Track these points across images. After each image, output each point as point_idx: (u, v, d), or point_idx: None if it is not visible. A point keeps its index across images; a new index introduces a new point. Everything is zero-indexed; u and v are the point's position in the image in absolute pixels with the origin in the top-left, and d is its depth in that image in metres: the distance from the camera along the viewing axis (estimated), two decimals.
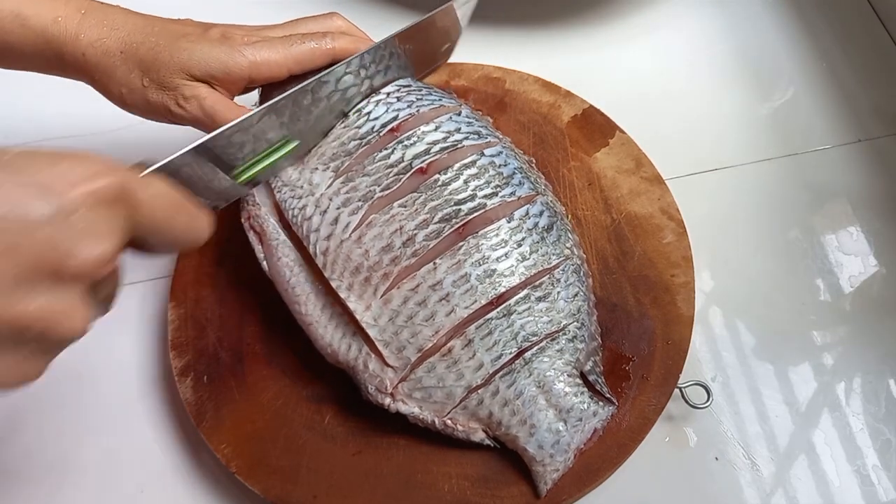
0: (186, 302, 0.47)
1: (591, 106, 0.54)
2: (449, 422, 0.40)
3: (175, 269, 0.48)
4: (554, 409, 0.41)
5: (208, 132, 0.39)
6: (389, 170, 0.42)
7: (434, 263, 0.40)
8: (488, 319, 0.40)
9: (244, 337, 0.46)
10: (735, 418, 0.46)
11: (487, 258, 0.41)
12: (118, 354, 0.48)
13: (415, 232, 0.41)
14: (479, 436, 0.41)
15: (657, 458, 0.44)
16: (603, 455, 0.41)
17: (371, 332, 0.40)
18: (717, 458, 0.45)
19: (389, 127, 0.43)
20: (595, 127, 0.53)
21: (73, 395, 0.47)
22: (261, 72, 0.43)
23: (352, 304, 0.41)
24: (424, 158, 0.42)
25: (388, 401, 0.40)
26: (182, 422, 0.46)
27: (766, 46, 0.62)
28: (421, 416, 0.40)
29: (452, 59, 0.57)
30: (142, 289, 0.51)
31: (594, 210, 0.50)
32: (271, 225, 0.43)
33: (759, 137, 0.57)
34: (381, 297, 0.40)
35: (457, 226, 0.41)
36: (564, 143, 0.52)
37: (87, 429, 0.46)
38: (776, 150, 0.56)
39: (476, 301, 0.40)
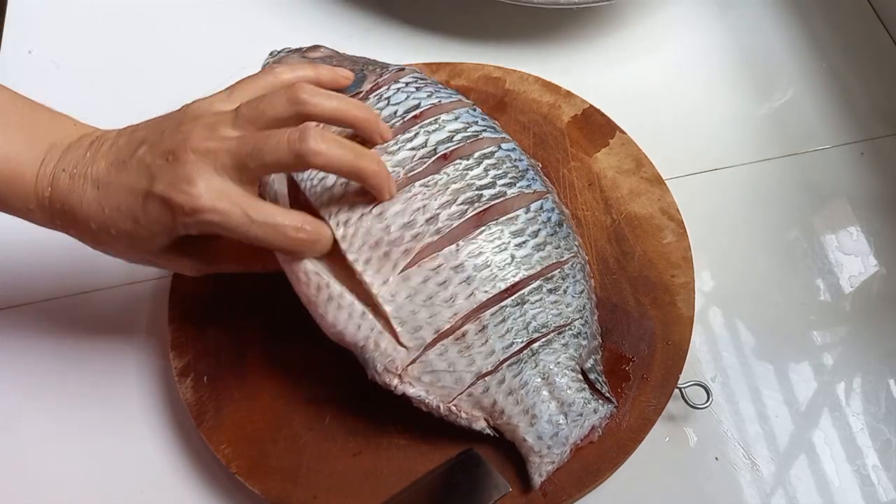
0: (186, 302, 0.47)
1: (591, 106, 0.54)
2: (453, 408, 0.40)
3: None
4: (556, 401, 0.41)
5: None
6: (413, 152, 0.42)
7: (457, 245, 0.40)
8: (503, 307, 0.40)
9: (244, 337, 0.46)
10: (735, 418, 0.46)
11: (507, 245, 0.41)
12: (118, 354, 0.48)
13: (438, 211, 0.40)
14: (480, 424, 0.40)
15: (657, 458, 0.44)
16: (603, 455, 0.41)
17: (387, 308, 0.39)
18: (717, 458, 0.45)
19: (413, 114, 0.43)
20: (595, 127, 0.53)
21: (73, 395, 0.47)
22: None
23: (368, 277, 0.40)
24: (448, 145, 0.42)
25: (395, 382, 0.40)
26: (182, 422, 0.46)
27: (766, 46, 0.62)
28: (426, 401, 0.40)
29: (452, 59, 0.57)
30: (142, 289, 0.51)
31: (594, 210, 0.50)
32: (282, 200, 0.42)
33: (759, 137, 0.57)
34: (400, 272, 0.40)
35: (478, 210, 0.41)
36: (564, 143, 0.52)
37: (87, 429, 0.46)
38: (776, 150, 0.56)
39: (495, 286, 0.40)
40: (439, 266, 0.40)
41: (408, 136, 0.42)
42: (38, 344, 0.49)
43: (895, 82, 0.60)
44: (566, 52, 0.62)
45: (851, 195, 0.54)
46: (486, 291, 0.40)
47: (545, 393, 0.41)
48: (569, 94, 0.55)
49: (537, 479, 0.40)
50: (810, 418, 0.46)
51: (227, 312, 0.46)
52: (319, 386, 0.44)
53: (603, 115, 0.53)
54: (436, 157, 0.42)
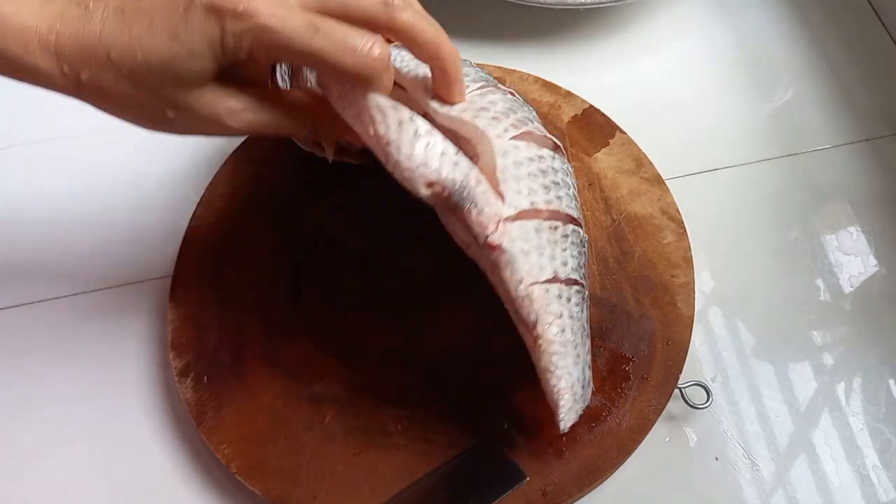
0: (186, 302, 0.47)
1: (591, 106, 0.54)
2: (532, 291, 0.37)
3: (175, 268, 0.48)
4: (585, 359, 0.39)
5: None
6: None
7: (553, 151, 0.40)
8: (577, 231, 0.39)
9: (244, 337, 0.46)
10: (735, 418, 0.46)
11: (573, 186, 0.41)
12: (118, 354, 0.48)
13: (529, 117, 0.40)
14: (536, 331, 0.37)
15: (657, 458, 0.44)
16: (603, 455, 0.41)
17: (498, 160, 0.37)
18: (717, 458, 0.45)
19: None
20: (595, 127, 0.53)
21: (72, 395, 0.47)
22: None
23: (482, 124, 0.38)
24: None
25: (492, 227, 0.36)
26: (182, 422, 0.46)
27: (766, 47, 0.62)
28: (515, 265, 0.36)
29: None
30: (142, 289, 0.51)
31: (594, 210, 0.50)
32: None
33: (760, 137, 0.57)
34: (510, 139, 0.38)
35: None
36: (564, 143, 0.52)
37: (86, 429, 0.46)
38: (776, 150, 0.56)
39: (571, 207, 0.39)
40: (542, 155, 0.39)
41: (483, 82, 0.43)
42: (38, 344, 0.49)
43: (895, 82, 0.60)
44: (566, 52, 0.62)
45: (851, 195, 0.54)
46: (567, 206, 0.39)
47: (588, 343, 0.39)
48: (569, 94, 0.55)
49: (567, 423, 0.38)
50: (810, 418, 0.46)
51: (227, 313, 0.46)
52: (319, 386, 0.44)
53: (603, 115, 0.53)
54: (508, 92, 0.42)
